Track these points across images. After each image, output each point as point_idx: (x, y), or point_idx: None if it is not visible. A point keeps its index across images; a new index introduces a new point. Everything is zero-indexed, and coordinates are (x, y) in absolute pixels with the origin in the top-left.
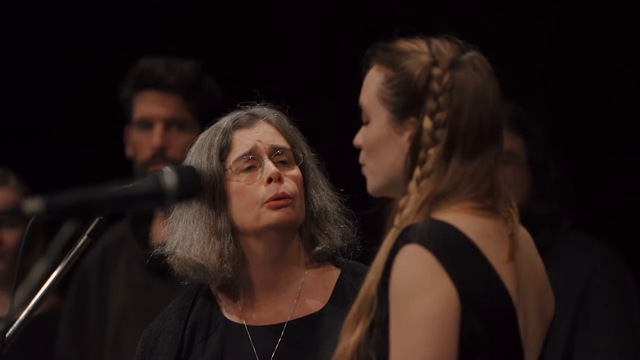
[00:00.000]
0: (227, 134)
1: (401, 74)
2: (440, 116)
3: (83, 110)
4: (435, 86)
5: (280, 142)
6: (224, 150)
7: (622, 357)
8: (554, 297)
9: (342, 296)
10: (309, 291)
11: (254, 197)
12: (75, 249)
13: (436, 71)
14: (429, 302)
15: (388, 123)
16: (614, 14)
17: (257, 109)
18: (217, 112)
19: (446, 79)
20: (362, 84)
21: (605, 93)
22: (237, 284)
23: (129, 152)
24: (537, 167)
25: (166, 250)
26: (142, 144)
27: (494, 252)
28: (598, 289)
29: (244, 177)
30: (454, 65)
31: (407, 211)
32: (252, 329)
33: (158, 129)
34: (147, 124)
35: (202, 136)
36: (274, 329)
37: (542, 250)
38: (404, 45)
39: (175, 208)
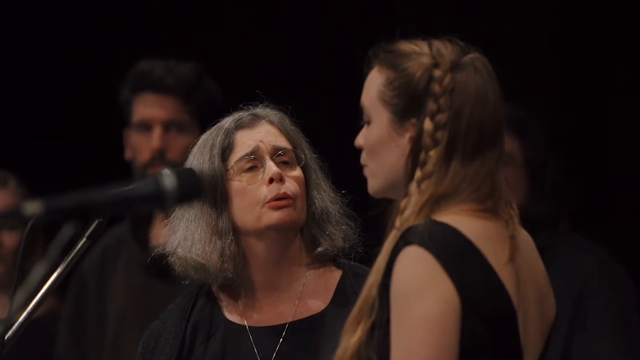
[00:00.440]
0: (229, 134)
1: (402, 76)
2: (441, 117)
3: (83, 110)
4: (436, 88)
5: (282, 142)
6: (226, 150)
7: (620, 359)
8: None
9: (343, 297)
10: (310, 292)
11: (256, 197)
12: (75, 251)
13: (437, 73)
14: (430, 304)
15: (389, 124)
16: (614, 14)
17: (260, 110)
18: (217, 114)
19: (447, 80)
20: (363, 85)
21: (606, 93)
22: (238, 285)
23: (128, 154)
24: (534, 169)
25: (167, 250)
26: (141, 146)
27: (495, 254)
28: (595, 291)
29: (245, 177)
30: (455, 66)
31: (407, 213)
32: (254, 329)
33: (157, 131)
34: (146, 126)
35: (204, 136)
36: (276, 329)
37: (540, 251)
38: (405, 46)
39: (177, 208)
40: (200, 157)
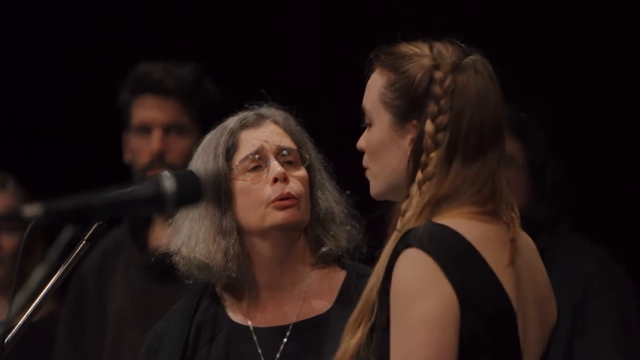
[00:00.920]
0: (234, 133)
1: (403, 78)
2: (442, 119)
3: (83, 110)
4: (436, 89)
5: (287, 142)
6: (230, 149)
7: None
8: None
9: (348, 298)
10: (314, 292)
11: (260, 197)
12: (74, 254)
13: (438, 74)
14: (430, 305)
15: (390, 126)
16: (614, 15)
17: (265, 110)
18: (217, 116)
19: (448, 82)
20: (365, 87)
21: (606, 94)
22: (242, 285)
23: (128, 157)
24: (535, 170)
25: (171, 249)
26: (140, 149)
27: (495, 257)
28: (596, 292)
29: (249, 176)
30: (455, 68)
31: (408, 215)
32: (258, 330)
33: (157, 134)
34: (145, 129)
35: (208, 136)
36: (280, 330)
37: (541, 253)
38: (406, 48)
39: (177, 211)
40: (204, 156)
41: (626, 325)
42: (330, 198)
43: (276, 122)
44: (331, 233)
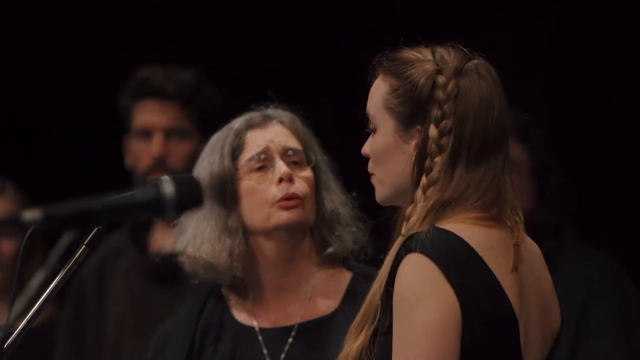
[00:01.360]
0: (240, 134)
1: (406, 83)
2: (446, 124)
3: (83, 110)
4: (439, 94)
5: (293, 143)
6: (236, 149)
7: None
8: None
9: (353, 299)
10: (320, 293)
11: (265, 196)
12: (74, 259)
13: (440, 79)
14: (431, 310)
15: (394, 132)
16: (614, 15)
17: (271, 110)
18: (218, 120)
19: (451, 86)
20: (365, 87)
21: (606, 94)
22: (247, 285)
23: (129, 161)
24: (539, 175)
25: (177, 249)
26: (141, 153)
27: (497, 262)
28: (597, 296)
29: (255, 176)
30: (458, 73)
31: (413, 219)
32: (263, 331)
33: (158, 138)
34: (146, 133)
35: (215, 136)
36: (285, 330)
37: (545, 258)
38: (409, 54)
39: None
40: (210, 156)
41: (627, 326)
42: (336, 199)
43: (282, 123)
44: (336, 234)
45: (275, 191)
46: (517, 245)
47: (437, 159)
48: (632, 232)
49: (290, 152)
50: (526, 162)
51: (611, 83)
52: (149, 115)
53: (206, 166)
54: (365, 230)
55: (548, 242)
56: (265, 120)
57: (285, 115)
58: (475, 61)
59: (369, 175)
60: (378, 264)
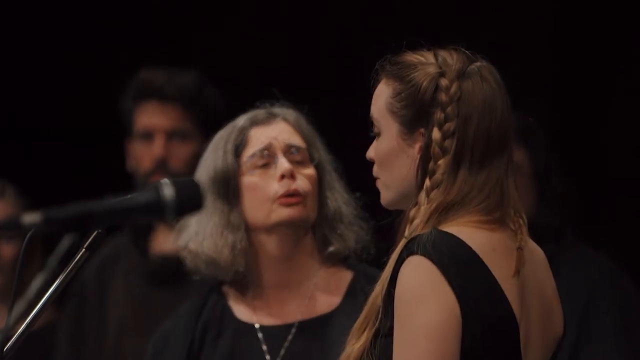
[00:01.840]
0: (244, 130)
1: (409, 87)
2: (449, 126)
3: (83, 110)
4: (442, 97)
5: (296, 141)
6: (240, 146)
7: None
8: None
9: (354, 298)
10: (320, 291)
11: (266, 193)
12: (74, 262)
13: (443, 82)
14: (432, 312)
15: (398, 135)
16: (614, 15)
17: (276, 108)
18: (219, 121)
19: (453, 89)
20: (365, 87)
21: (606, 94)
22: (248, 282)
23: (131, 163)
24: (541, 177)
25: (179, 245)
26: (143, 155)
27: (499, 265)
28: (597, 298)
29: (257, 173)
30: (461, 75)
31: (416, 222)
32: (263, 328)
33: (159, 140)
34: (148, 135)
35: (219, 133)
36: (285, 328)
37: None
38: (411, 57)
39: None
40: (214, 152)
41: (627, 326)
42: (339, 198)
43: (286, 121)
44: (339, 233)
45: (277, 187)
46: (519, 249)
47: (441, 162)
48: (632, 232)
49: (293, 150)
50: (527, 164)
51: (611, 83)
52: (151, 117)
53: (210, 162)
54: (368, 229)
55: (549, 244)
56: (270, 118)
57: (289, 113)
58: (478, 63)
59: (372, 176)
60: (381, 266)
